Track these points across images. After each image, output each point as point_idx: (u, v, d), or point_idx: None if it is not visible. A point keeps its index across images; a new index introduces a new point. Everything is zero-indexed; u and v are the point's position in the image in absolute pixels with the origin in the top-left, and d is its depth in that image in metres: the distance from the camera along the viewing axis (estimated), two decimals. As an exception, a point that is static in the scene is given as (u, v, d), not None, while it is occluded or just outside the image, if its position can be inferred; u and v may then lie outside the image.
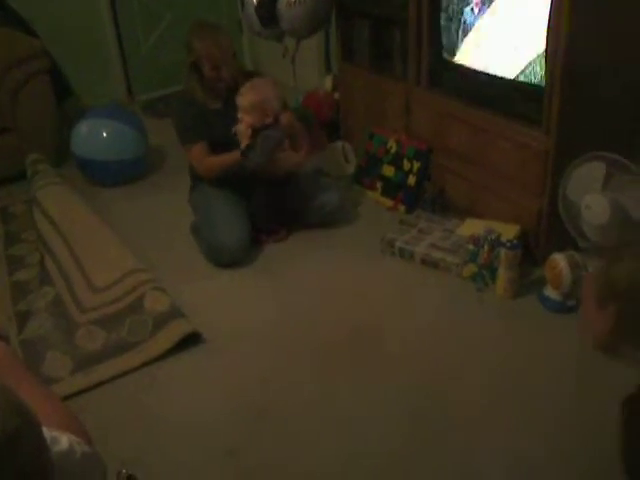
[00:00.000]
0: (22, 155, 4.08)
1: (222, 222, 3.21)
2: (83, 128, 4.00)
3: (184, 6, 5.49)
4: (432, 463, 2.13)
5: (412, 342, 2.66)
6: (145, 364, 2.59)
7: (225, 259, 3.17)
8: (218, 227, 3.19)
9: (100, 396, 2.46)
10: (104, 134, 3.95)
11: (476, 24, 3.04)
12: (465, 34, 3.11)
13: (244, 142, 3.18)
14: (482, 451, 2.16)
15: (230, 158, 3.22)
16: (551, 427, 2.23)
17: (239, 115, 3.19)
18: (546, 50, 2.69)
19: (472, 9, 3.03)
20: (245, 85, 3.21)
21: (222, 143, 3.25)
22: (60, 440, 1.16)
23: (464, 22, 3.10)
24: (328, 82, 4.47)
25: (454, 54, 3.21)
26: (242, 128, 3.19)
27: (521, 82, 2.89)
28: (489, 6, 2.93)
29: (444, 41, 3.22)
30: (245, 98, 3.18)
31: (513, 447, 2.16)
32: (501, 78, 2.99)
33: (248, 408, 2.38)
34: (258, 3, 3.84)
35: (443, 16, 3.18)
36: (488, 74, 3.05)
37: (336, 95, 4.29)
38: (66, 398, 2.35)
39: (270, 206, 3.37)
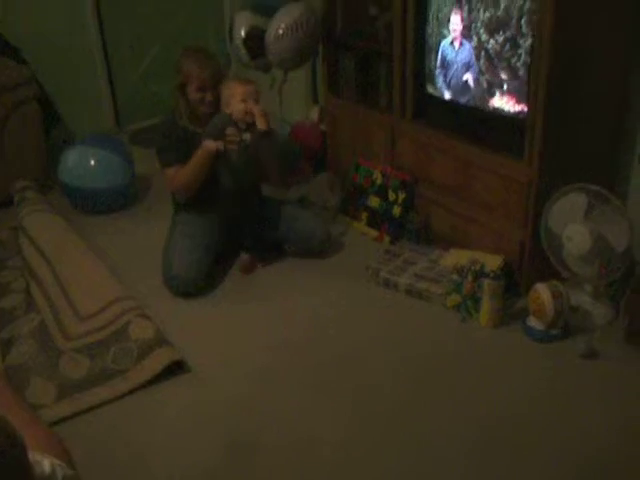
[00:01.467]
0: (9, 181, 4.09)
1: (178, 250, 3.25)
2: (70, 156, 4.01)
3: (173, 37, 5.54)
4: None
5: (396, 371, 2.67)
6: (130, 392, 2.58)
7: (175, 287, 3.20)
8: (173, 254, 3.24)
9: (84, 424, 2.45)
10: (91, 162, 3.97)
11: (457, 59, 3.10)
12: (445, 68, 3.18)
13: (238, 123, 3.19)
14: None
15: (199, 154, 3.20)
16: (541, 455, 2.25)
17: (236, 100, 3.17)
18: (528, 82, 2.75)
19: (452, 43, 3.10)
20: (235, 78, 3.38)
21: None
22: (42, 463, 1.16)
23: (444, 57, 3.17)
24: (315, 113, 4.51)
25: (436, 87, 3.26)
26: (250, 108, 3.16)
27: (503, 114, 2.95)
28: (470, 41, 2.99)
29: (426, 73, 3.29)
30: (251, 85, 3.22)
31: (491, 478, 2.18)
32: (482, 110, 3.04)
33: (233, 437, 2.38)
34: (246, 35, 3.90)
35: (426, 49, 3.25)
36: (469, 106, 3.11)
37: (322, 126, 4.33)
38: (51, 425, 2.34)
39: (254, 235, 3.40)
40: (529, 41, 2.70)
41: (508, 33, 2.79)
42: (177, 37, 5.55)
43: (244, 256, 3.37)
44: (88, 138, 4.21)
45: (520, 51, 2.76)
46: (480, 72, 2.99)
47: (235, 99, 3.16)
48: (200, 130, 3.29)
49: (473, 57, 3.00)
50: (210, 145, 3.15)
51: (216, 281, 3.31)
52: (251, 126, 3.19)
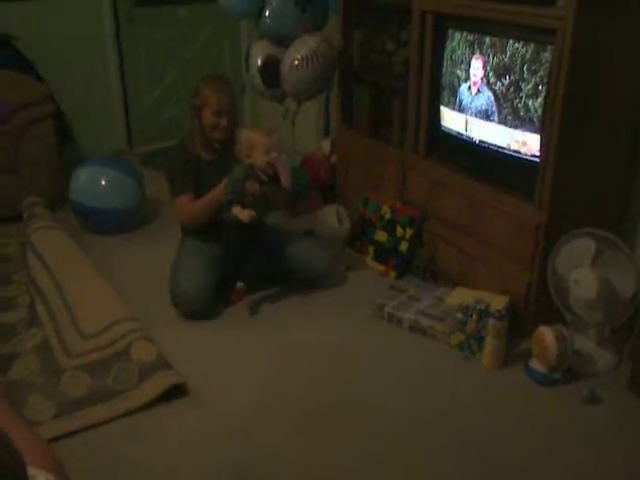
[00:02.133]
0: (20, 197, 4.12)
1: (185, 271, 3.26)
2: (82, 175, 4.04)
3: (188, 65, 5.62)
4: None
5: (397, 408, 2.66)
6: (129, 413, 2.57)
7: (182, 308, 3.23)
8: (180, 275, 3.26)
9: (81, 443, 2.43)
10: (102, 182, 4.00)
11: (472, 105, 3.14)
12: (461, 110, 3.21)
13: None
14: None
15: (213, 195, 3.19)
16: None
17: (249, 153, 3.09)
18: (542, 127, 2.77)
19: (469, 88, 3.13)
20: (257, 129, 3.26)
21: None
22: (37, 477, 1.16)
23: (460, 101, 3.20)
24: (326, 145, 4.54)
25: (450, 124, 3.30)
26: (275, 163, 3.07)
27: (515, 156, 2.96)
28: (489, 87, 3.02)
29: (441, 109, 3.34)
30: (274, 138, 3.13)
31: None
32: (496, 151, 3.06)
33: (231, 463, 2.36)
34: (262, 64, 3.94)
35: (441, 87, 3.29)
36: (483, 146, 3.13)
37: (333, 159, 4.36)
38: (48, 442, 2.33)
39: (258, 266, 3.43)
40: (544, 87, 2.73)
41: (519, 79, 2.83)
42: (193, 63, 5.63)
43: (238, 285, 3.33)
44: (99, 159, 4.24)
45: (536, 97, 2.79)
46: (497, 116, 3.02)
47: (258, 151, 3.07)
48: (210, 157, 3.32)
49: (491, 104, 3.02)
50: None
51: (220, 306, 3.32)
52: (271, 177, 3.10)
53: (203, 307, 3.23)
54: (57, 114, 4.43)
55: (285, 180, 3.09)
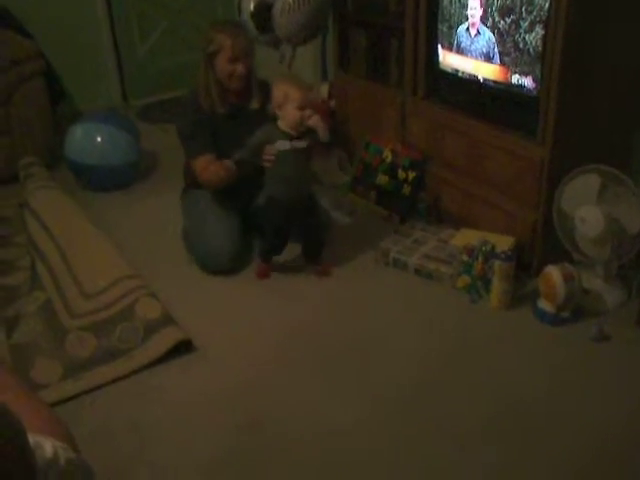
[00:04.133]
0: (15, 157, 4.06)
1: (214, 228, 3.16)
2: (77, 132, 3.98)
3: (180, 13, 5.50)
4: (423, 469, 2.12)
5: (407, 352, 2.64)
6: (136, 371, 2.56)
7: (218, 267, 3.14)
8: (210, 234, 3.15)
9: (90, 403, 2.43)
10: (98, 139, 3.93)
11: (471, 47, 3.05)
12: (461, 52, 3.12)
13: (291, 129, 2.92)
14: (474, 466, 2.14)
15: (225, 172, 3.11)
16: (552, 436, 2.22)
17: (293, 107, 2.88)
18: (542, 59, 2.69)
19: (468, 29, 3.03)
20: (292, 79, 3.00)
21: (227, 150, 3.14)
22: (44, 445, 1.13)
23: (459, 43, 3.11)
24: (324, 90, 4.46)
25: (450, 65, 3.21)
26: (309, 120, 2.90)
27: (516, 91, 2.89)
28: (488, 26, 2.92)
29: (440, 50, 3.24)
30: (309, 91, 3.01)
31: (507, 462, 2.15)
32: (497, 89, 2.99)
33: (241, 417, 2.35)
34: (254, 9, 3.84)
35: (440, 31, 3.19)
36: (483, 83, 3.05)
37: (332, 103, 4.28)
38: (54, 405, 2.32)
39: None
40: (544, 22, 2.64)
41: (519, 16, 2.73)
42: (185, 13, 5.51)
43: (261, 264, 3.16)
44: (94, 114, 4.17)
45: (536, 32, 2.69)
46: (498, 57, 2.93)
47: (291, 105, 2.88)
48: (226, 110, 3.17)
49: (492, 45, 2.93)
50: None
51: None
52: (303, 134, 2.94)
53: (237, 260, 3.17)
54: (47, 71, 4.33)
55: (324, 135, 2.94)
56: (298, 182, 3.02)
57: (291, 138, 2.92)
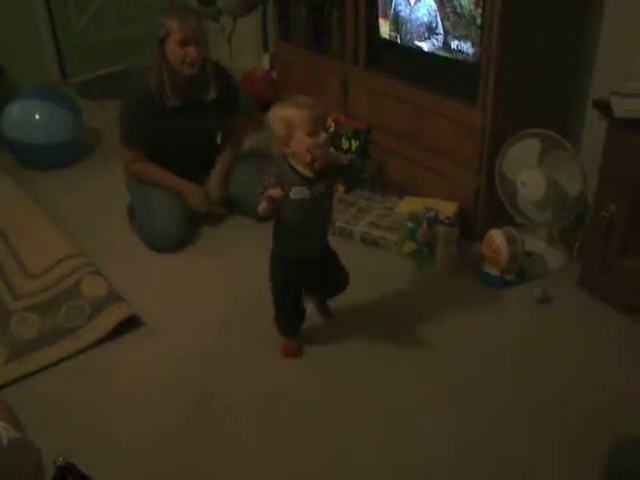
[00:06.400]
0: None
1: (160, 207, 3.14)
2: (14, 110, 3.87)
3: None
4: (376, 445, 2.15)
5: (353, 319, 2.67)
6: (83, 350, 2.54)
7: (165, 244, 3.12)
8: (157, 212, 3.13)
9: (39, 384, 2.40)
10: (36, 116, 3.83)
11: (411, 17, 3.04)
12: (399, 21, 3.12)
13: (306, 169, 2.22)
14: (427, 432, 2.18)
15: (171, 181, 3.18)
16: (495, 402, 2.27)
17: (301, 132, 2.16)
18: (482, 25, 2.71)
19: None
20: (285, 103, 2.25)
21: (171, 147, 3.16)
22: None
23: (397, 12, 3.11)
24: (266, 61, 4.44)
25: (389, 32, 3.21)
26: (305, 148, 2.16)
27: (456, 58, 2.91)
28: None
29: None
30: (315, 108, 2.18)
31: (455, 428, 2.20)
32: (437, 56, 3.00)
33: (190, 393, 2.36)
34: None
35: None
36: (423, 52, 3.06)
37: (274, 74, 4.26)
38: (1, 388, 2.30)
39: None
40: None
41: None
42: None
43: (285, 343, 2.54)
44: (32, 91, 4.07)
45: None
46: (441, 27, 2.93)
47: (300, 132, 2.15)
48: (177, 102, 3.11)
49: (434, 13, 2.92)
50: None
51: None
52: (324, 173, 2.24)
53: (184, 239, 3.17)
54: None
55: (344, 157, 2.54)
56: (317, 236, 2.45)
57: (309, 181, 2.23)
